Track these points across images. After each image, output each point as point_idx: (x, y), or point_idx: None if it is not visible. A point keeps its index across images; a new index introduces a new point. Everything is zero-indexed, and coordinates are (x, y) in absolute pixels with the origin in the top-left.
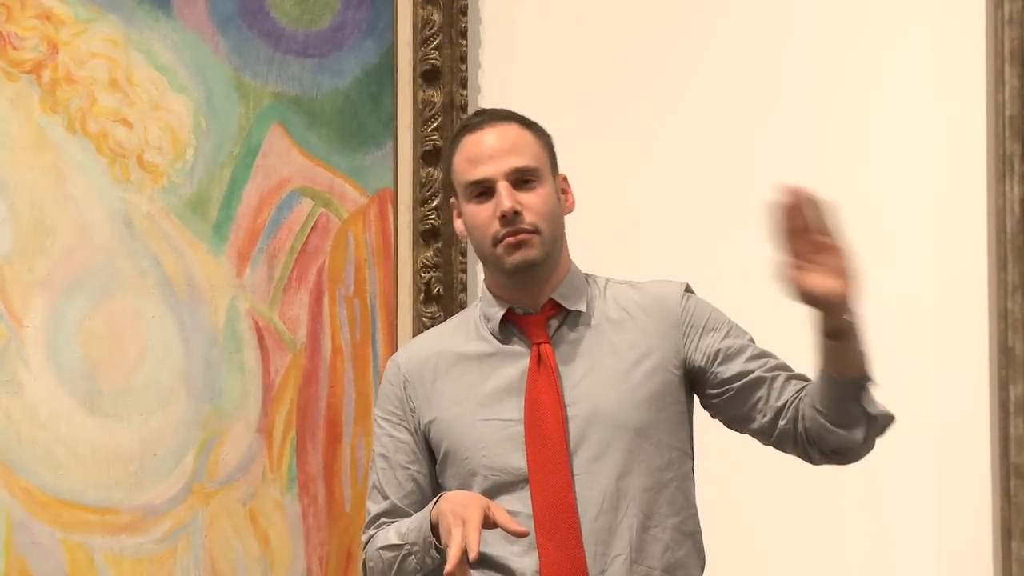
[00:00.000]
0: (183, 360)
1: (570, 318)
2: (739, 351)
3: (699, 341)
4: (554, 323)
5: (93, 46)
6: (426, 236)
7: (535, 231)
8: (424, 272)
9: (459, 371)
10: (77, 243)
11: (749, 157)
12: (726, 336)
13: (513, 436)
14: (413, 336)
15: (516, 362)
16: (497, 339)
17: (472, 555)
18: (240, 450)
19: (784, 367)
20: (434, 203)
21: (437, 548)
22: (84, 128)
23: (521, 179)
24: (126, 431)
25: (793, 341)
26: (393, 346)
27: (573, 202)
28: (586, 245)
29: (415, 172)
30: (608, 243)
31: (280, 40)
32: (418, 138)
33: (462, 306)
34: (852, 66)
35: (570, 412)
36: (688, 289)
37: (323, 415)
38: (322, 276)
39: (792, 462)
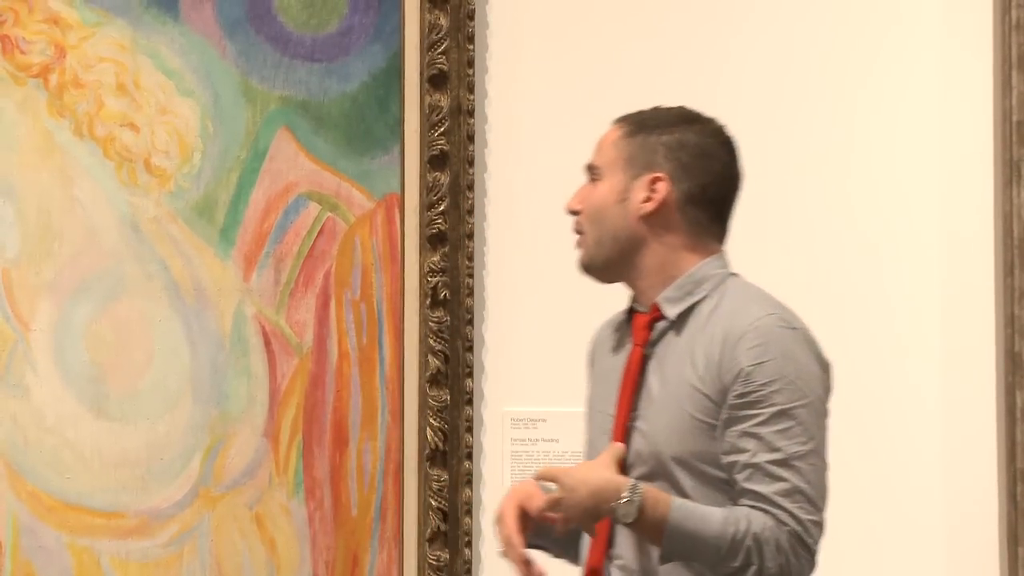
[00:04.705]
0: (190, 364)
1: (678, 322)
2: (739, 451)
3: (727, 421)
4: (661, 325)
5: (100, 50)
6: (433, 240)
7: (580, 232)
8: (431, 276)
9: (601, 356)
10: (84, 247)
11: (755, 161)
12: (746, 432)
13: (609, 431)
14: (419, 340)
15: (624, 360)
16: (622, 332)
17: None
18: (247, 454)
19: (763, 498)
20: (441, 207)
21: None
22: (91, 132)
23: (590, 178)
24: (133, 435)
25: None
26: (399, 350)
27: (654, 203)
28: None
29: (422, 176)
30: None
31: (287, 44)
32: (425, 142)
33: (468, 311)
34: (858, 72)
35: (638, 424)
36: (763, 347)
37: (329, 419)
38: (329, 280)
39: None
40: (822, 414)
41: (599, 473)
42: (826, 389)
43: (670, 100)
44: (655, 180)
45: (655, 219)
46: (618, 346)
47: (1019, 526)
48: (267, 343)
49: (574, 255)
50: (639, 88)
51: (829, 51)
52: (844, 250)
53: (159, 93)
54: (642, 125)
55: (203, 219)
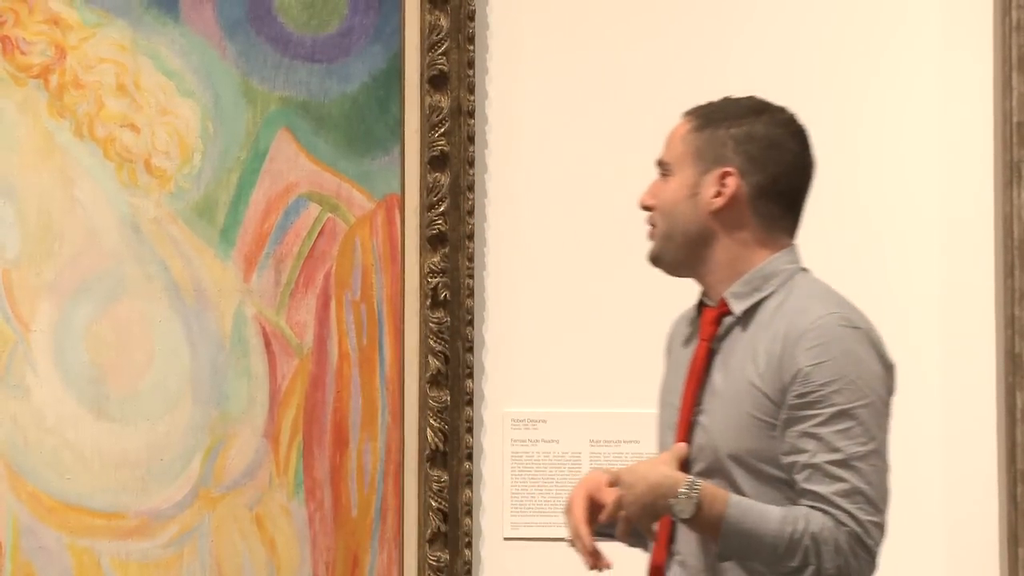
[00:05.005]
0: (190, 365)
1: (744, 318)
2: (798, 451)
3: (786, 421)
4: (728, 321)
5: (101, 51)
6: (433, 241)
7: (653, 225)
8: (431, 277)
9: (674, 348)
10: (84, 247)
11: None
12: (805, 432)
13: (674, 425)
14: (420, 341)
15: (692, 354)
16: (693, 327)
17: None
18: (247, 455)
19: (823, 499)
20: (441, 208)
21: None
22: (91, 133)
23: (660, 173)
24: (133, 436)
25: None
26: (400, 351)
27: (724, 198)
28: (591, 248)
29: (422, 177)
30: (615, 247)
31: (288, 45)
32: (425, 143)
33: (469, 312)
34: (859, 73)
35: (701, 419)
36: (823, 347)
37: (330, 420)
38: (329, 281)
39: None
40: (884, 415)
41: (658, 469)
42: (888, 389)
43: (669, 101)
44: (724, 175)
45: (725, 214)
46: (689, 339)
47: (1019, 526)
48: (267, 344)
49: (574, 255)
50: (639, 89)
51: (830, 52)
52: (845, 250)
53: (159, 94)
54: (710, 118)
55: (203, 220)
